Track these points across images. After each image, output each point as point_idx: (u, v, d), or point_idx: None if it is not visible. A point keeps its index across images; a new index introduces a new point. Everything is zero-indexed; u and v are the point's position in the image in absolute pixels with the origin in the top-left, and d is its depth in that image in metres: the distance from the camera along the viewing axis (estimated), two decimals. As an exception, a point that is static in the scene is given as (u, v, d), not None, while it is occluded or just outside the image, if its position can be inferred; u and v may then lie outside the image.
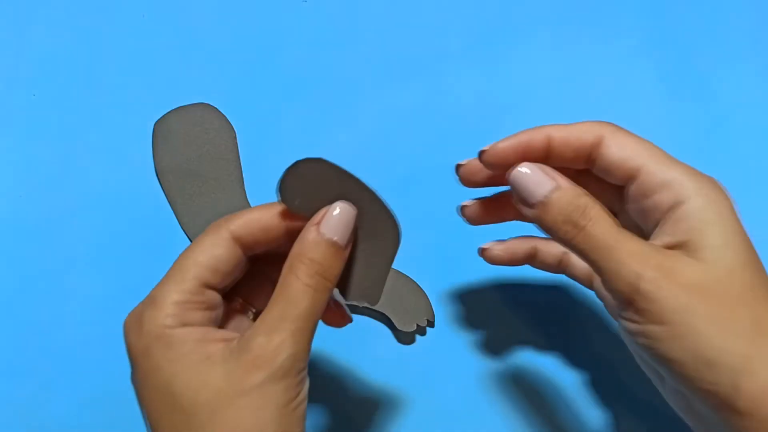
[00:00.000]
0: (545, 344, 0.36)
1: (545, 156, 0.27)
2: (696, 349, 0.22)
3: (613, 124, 0.27)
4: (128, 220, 0.38)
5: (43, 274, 0.37)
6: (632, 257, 0.23)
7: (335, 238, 0.25)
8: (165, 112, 0.39)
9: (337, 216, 0.25)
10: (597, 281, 0.31)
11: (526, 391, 0.35)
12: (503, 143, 0.27)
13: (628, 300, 0.23)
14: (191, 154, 0.38)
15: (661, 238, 0.25)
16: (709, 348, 0.22)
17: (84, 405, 0.35)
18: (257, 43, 0.41)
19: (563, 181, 0.25)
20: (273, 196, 0.34)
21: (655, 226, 0.25)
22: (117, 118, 0.39)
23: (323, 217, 0.25)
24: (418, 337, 0.36)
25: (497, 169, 0.27)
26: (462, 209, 0.31)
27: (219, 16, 0.41)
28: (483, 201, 0.30)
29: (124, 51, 0.41)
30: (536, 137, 0.27)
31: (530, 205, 0.26)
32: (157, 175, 0.38)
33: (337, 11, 0.41)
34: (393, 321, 0.35)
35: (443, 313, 0.37)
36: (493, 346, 0.36)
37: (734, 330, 0.22)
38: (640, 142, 0.26)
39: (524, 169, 0.26)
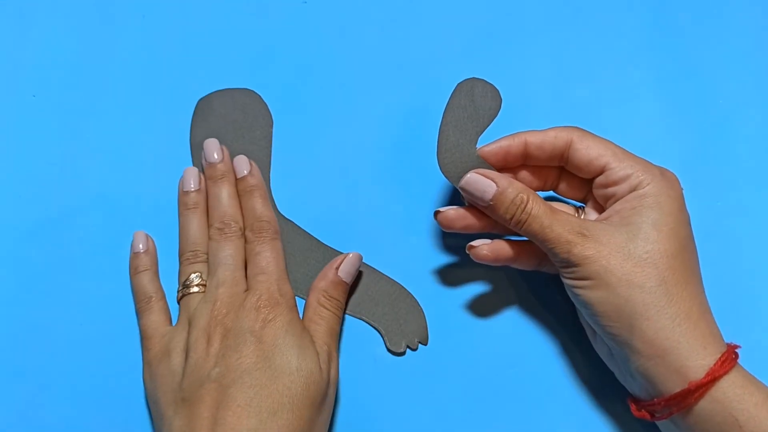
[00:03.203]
0: (545, 349, 0.36)
1: (523, 159, 0.33)
2: (607, 297, 0.29)
3: (580, 129, 0.33)
4: (128, 220, 0.38)
5: (43, 274, 0.37)
6: (564, 230, 0.30)
7: (347, 280, 0.35)
8: (165, 112, 0.39)
9: (350, 262, 0.35)
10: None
11: (524, 394, 0.35)
12: (486, 148, 0.33)
13: (566, 262, 0.30)
14: (226, 135, 0.39)
15: (609, 214, 0.32)
16: (615, 296, 0.29)
17: (84, 405, 0.35)
18: (257, 43, 0.41)
19: (504, 182, 0.31)
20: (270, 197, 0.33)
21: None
22: (117, 118, 0.39)
23: (341, 262, 0.35)
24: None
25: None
26: (436, 214, 0.35)
27: (218, 18, 0.41)
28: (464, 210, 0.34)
29: (124, 51, 0.41)
30: (515, 143, 0.33)
31: (483, 207, 0.32)
32: (190, 148, 0.39)
33: (337, 12, 0.41)
34: (383, 338, 0.36)
35: (445, 317, 0.37)
36: (492, 350, 0.36)
37: (638, 284, 0.29)
38: (603, 143, 0.32)
39: (471, 177, 0.32)
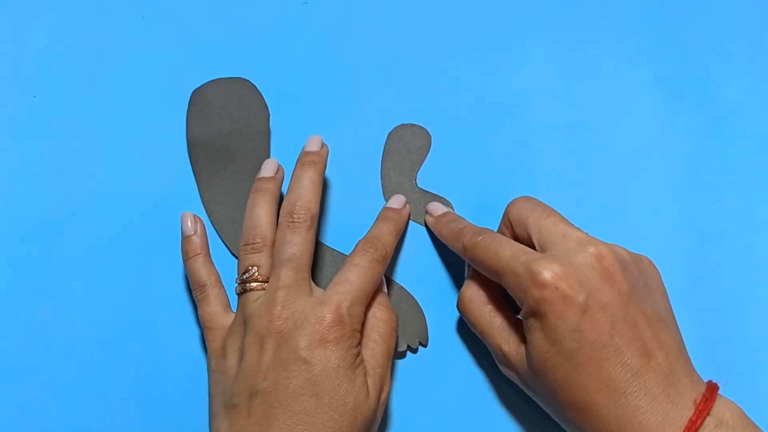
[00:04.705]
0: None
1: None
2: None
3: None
4: (128, 221, 0.38)
5: (43, 274, 0.37)
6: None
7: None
8: (166, 113, 0.39)
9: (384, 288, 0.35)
10: None
11: (524, 394, 0.35)
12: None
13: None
14: (223, 128, 0.38)
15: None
16: (553, 331, 0.28)
17: (84, 405, 0.35)
18: (257, 45, 0.41)
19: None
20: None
21: None
22: (117, 118, 0.39)
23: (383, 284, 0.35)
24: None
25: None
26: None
27: (219, 19, 0.41)
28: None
29: (124, 51, 0.41)
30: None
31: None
32: (187, 145, 0.39)
33: (338, 13, 0.41)
34: None
35: (445, 317, 0.37)
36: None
37: (565, 315, 0.28)
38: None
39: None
